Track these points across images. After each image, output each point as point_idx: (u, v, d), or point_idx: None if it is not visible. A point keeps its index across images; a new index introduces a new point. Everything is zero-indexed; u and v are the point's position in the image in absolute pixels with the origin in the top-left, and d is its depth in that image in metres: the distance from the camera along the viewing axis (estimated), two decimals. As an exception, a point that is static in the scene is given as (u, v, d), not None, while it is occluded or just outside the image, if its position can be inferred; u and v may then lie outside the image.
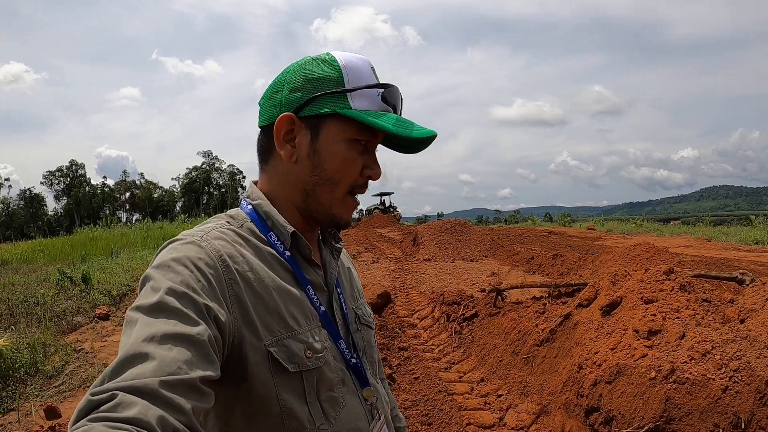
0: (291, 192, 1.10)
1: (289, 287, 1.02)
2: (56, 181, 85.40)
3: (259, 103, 1.13)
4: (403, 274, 11.27)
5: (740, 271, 6.18)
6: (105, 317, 7.38)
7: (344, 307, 1.16)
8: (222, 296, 0.90)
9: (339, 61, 1.06)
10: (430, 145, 1.13)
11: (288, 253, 1.06)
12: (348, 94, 1.04)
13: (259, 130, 1.14)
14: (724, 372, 2.96)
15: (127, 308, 5.84)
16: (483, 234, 16.27)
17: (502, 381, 4.64)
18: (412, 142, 1.10)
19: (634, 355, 3.45)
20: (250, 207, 1.11)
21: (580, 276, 8.60)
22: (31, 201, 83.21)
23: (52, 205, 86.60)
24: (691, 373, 3.00)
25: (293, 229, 1.07)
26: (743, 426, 2.72)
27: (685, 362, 3.12)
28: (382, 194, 44.89)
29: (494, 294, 6.15)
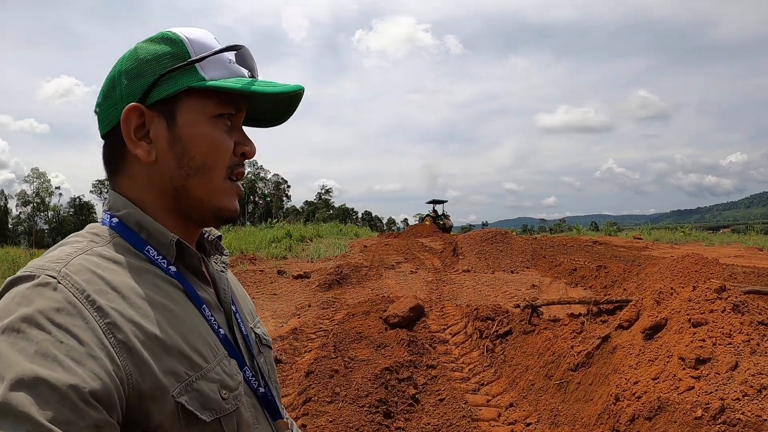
0: (159, 195, 0.91)
1: (185, 313, 0.85)
2: (105, 190, 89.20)
3: (95, 111, 0.94)
4: (440, 286, 11.05)
5: None
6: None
7: (243, 328, 1.01)
8: (103, 352, 0.69)
9: (179, 34, 0.91)
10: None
11: (173, 269, 0.88)
12: (197, 65, 0.89)
13: (103, 141, 0.95)
14: None
15: None
16: (525, 244, 15.94)
17: (532, 407, 4.35)
18: (278, 103, 1.00)
19: (678, 387, 3.13)
20: (115, 220, 0.90)
21: (624, 290, 8.24)
22: (81, 209, 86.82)
23: (101, 213, 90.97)
24: (743, 413, 2.66)
25: (176, 237, 0.89)
26: None
27: (737, 399, 2.78)
28: (434, 202, 45.10)
29: (529, 310, 5.90)
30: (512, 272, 13.14)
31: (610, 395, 3.53)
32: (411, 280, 12.00)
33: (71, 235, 0.89)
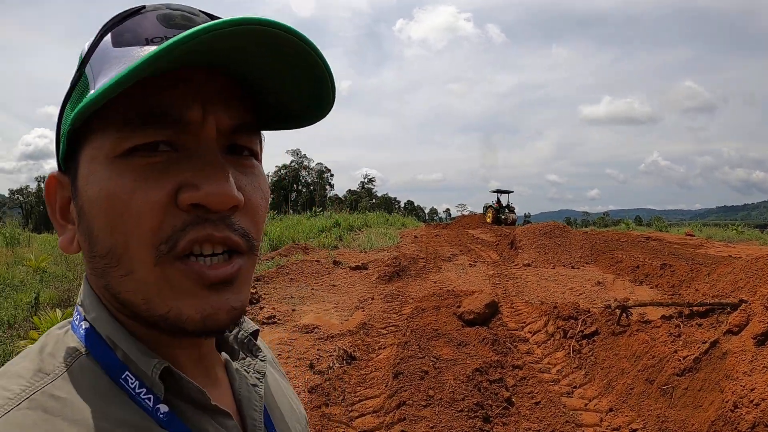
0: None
1: None
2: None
3: None
4: (503, 280, 10.95)
5: None
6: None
7: None
8: None
9: (84, 49, 0.61)
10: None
11: (165, 408, 0.59)
12: (88, 76, 0.59)
13: None
14: None
15: None
16: (583, 239, 15.65)
17: (635, 413, 4.30)
18: (266, 63, 0.58)
19: None
20: (84, 326, 0.62)
21: (696, 290, 7.96)
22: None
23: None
24: None
25: (163, 363, 0.59)
26: None
27: None
28: (499, 191, 41.73)
29: (618, 311, 5.67)
30: (572, 268, 12.95)
31: (726, 402, 3.52)
32: (471, 273, 11.90)
33: (19, 356, 0.60)
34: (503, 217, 36.63)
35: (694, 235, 22.99)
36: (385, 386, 4.65)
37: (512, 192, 41.97)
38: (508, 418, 4.17)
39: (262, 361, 0.76)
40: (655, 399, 4.30)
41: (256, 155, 0.65)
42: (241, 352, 0.75)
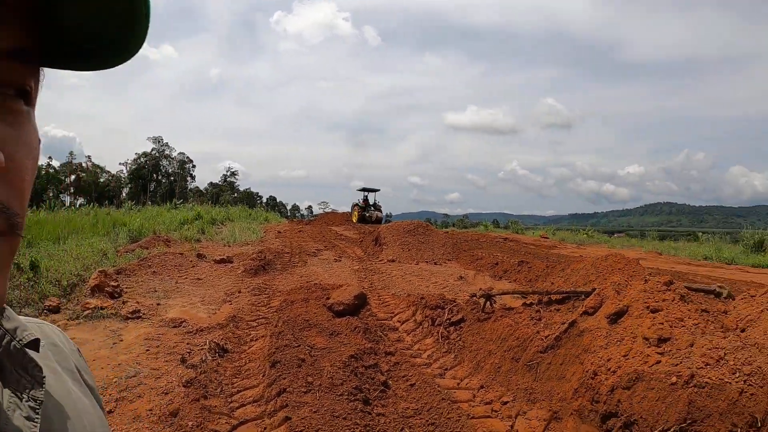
0: None
1: None
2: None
3: None
4: (369, 275, 11.16)
5: (717, 284, 6.37)
6: (55, 310, 6.85)
7: None
8: None
9: None
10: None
11: None
12: None
13: None
14: (739, 376, 3.16)
15: (78, 300, 5.20)
16: (445, 237, 16.37)
17: (504, 388, 4.62)
18: None
19: (647, 362, 3.58)
20: None
21: (552, 283, 8.63)
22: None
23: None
24: (709, 378, 3.19)
25: None
26: (759, 425, 2.93)
27: (701, 368, 3.30)
28: (366, 190, 41.16)
29: (483, 299, 6.03)
30: (435, 264, 13.48)
31: (587, 371, 3.91)
32: (337, 268, 12.02)
33: None
34: (367, 215, 36.76)
35: (548, 238, 24.89)
36: (263, 376, 4.58)
37: (379, 190, 41.99)
38: (386, 400, 4.28)
39: (40, 385, 0.52)
40: (522, 374, 4.64)
41: (28, 97, 0.47)
42: (14, 371, 0.51)
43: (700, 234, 24.02)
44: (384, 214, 38.94)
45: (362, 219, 36.11)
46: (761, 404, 2.98)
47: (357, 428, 3.55)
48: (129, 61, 0.50)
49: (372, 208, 38.36)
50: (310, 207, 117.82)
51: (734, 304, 4.62)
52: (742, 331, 3.85)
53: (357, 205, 38.65)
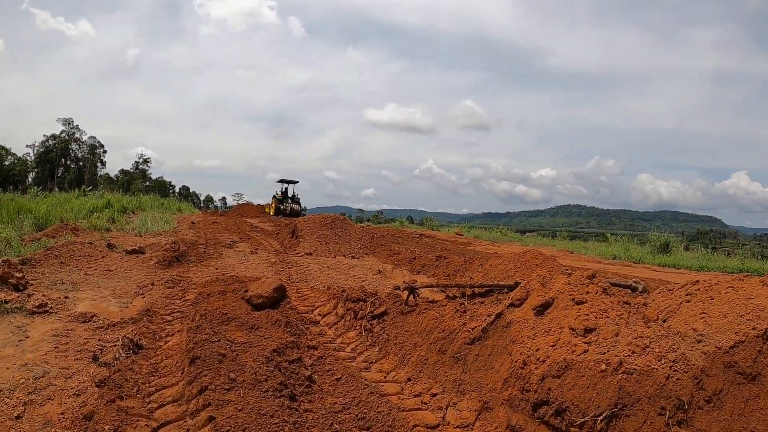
0: None
1: None
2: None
3: None
4: (286, 267, 11.02)
5: (634, 279, 6.68)
6: (-46, 304, 6.31)
7: None
8: None
9: None
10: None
11: None
12: None
13: None
14: (665, 363, 3.34)
15: None
16: (362, 231, 16.39)
17: (432, 380, 4.63)
18: None
19: (575, 351, 3.69)
20: None
21: (471, 278, 8.83)
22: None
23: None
24: (637, 365, 3.34)
25: None
26: (686, 407, 3.12)
27: (628, 355, 3.44)
28: (285, 181, 40.15)
29: (406, 292, 6.08)
30: (353, 257, 13.50)
31: (515, 362, 3.99)
32: (253, 260, 11.80)
33: None
34: (282, 207, 35.84)
35: (463, 235, 25.50)
36: (182, 373, 4.35)
37: (297, 182, 40.99)
38: (312, 395, 4.16)
39: None
40: (449, 366, 4.66)
41: None
42: None
43: (609, 235, 25.34)
44: (302, 207, 37.86)
45: (278, 211, 35.31)
46: (687, 388, 3.16)
47: (285, 426, 3.44)
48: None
49: (290, 200, 37.43)
50: (224, 198, 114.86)
51: (653, 297, 4.84)
52: (664, 321, 4.03)
53: (275, 196, 37.58)
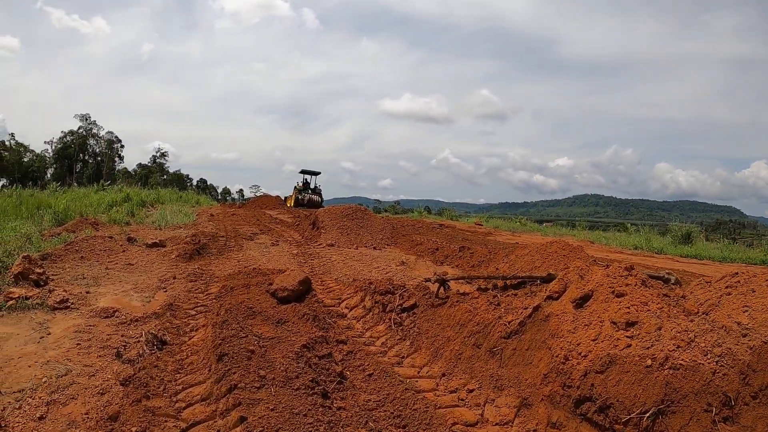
0: None
1: None
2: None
3: None
4: (308, 260, 10.89)
5: (666, 271, 6.46)
6: (-25, 301, 6.21)
7: None
8: None
9: None
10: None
11: None
12: None
13: None
14: (710, 357, 3.22)
15: (0, 290, 4.65)
16: (383, 222, 16.20)
17: (468, 375, 4.47)
18: None
19: (618, 345, 3.58)
20: None
21: (497, 269, 8.63)
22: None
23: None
24: (683, 360, 3.23)
25: None
26: (732, 403, 3.00)
27: (673, 350, 3.33)
28: (306, 172, 38.58)
29: (436, 284, 5.89)
30: (375, 249, 13.36)
31: (556, 356, 3.88)
32: (275, 252, 11.67)
33: None
34: (300, 197, 34.77)
35: (482, 225, 25.26)
36: (209, 370, 4.20)
37: (320, 173, 39.32)
38: (344, 392, 4.03)
39: None
40: (485, 361, 4.52)
41: None
42: None
43: (629, 225, 24.97)
44: (322, 198, 36.83)
45: (297, 202, 34.42)
46: (733, 384, 3.04)
47: (320, 426, 3.30)
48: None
49: (309, 192, 36.18)
50: (241, 190, 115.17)
51: (691, 289, 4.70)
52: (705, 314, 3.92)
53: (295, 187, 36.40)
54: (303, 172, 38.59)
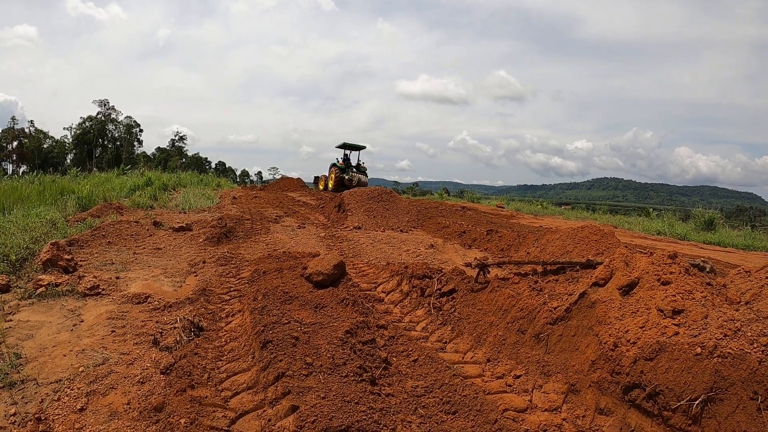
0: None
1: None
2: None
3: None
4: (336, 243, 10.91)
5: (702, 259, 6.32)
6: (4, 288, 6.20)
7: None
8: None
9: None
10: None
11: None
12: None
13: None
14: (757, 347, 3.26)
15: (29, 277, 4.54)
16: (409, 204, 16.10)
17: (513, 361, 4.56)
18: None
19: (666, 333, 3.62)
20: None
21: (528, 253, 8.51)
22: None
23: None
24: (731, 349, 3.27)
25: None
26: None
27: (721, 339, 3.38)
28: (347, 146, 31.88)
29: (476, 269, 5.84)
30: (402, 231, 13.35)
31: (605, 343, 3.93)
32: (302, 235, 11.68)
33: None
34: (347, 178, 28.89)
35: (504, 207, 25.10)
36: (252, 357, 4.17)
37: (364, 148, 32.22)
38: (390, 378, 4.08)
39: None
40: (530, 347, 4.59)
41: None
42: None
43: (651, 210, 24.62)
44: (308, 179, 32.50)
45: (341, 185, 28.58)
46: None
47: (373, 413, 3.29)
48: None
49: (354, 170, 29.82)
50: (260, 173, 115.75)
51: (731, 278, 4.75)
52: (747, 304, 3.94)
53: (335, 165, 30.20)
54: (343, 146, 31.94)
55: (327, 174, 31.06)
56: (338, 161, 30.61)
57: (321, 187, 30.48)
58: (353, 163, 30.90)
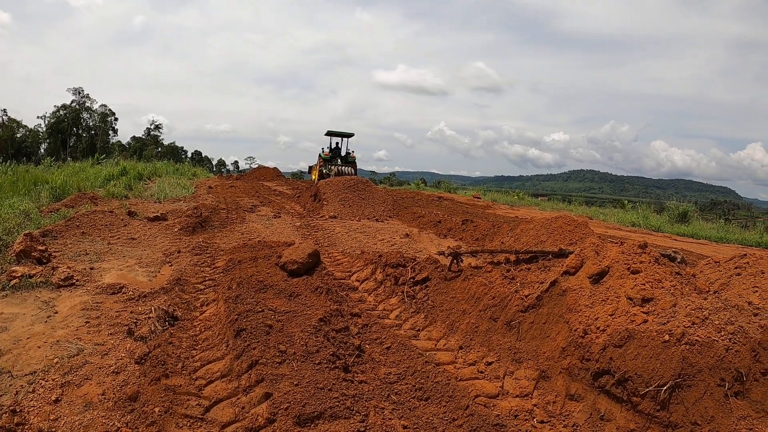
0: None
1: None
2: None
3: None
4: (312, 232, 10.92)
5: (672, 249, 6.49)
6: (-24, 280, 6.09)
7: None
8: None
9: None
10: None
11: None
12: None
13: None
14: (724, 335, 3.35)
15: (2, 269, 4.50)
16: (385, 194, 16.15)
17: (486, 348, 4.60)
18: None
19: (635, 321, 3.68)
20: None
21: (502, 243, 8.72)
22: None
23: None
24: (698, 336, 3.35)
25: None
26: (743, 379, 3.14)
27: (689, 327, 3.44)
28: (334, 134, 29.76)
29: (449, 258, 5.90)
30: (377, 221, 13.41)
31: (575, 330, 3.99)
32: (277, 224, 11.66)
33: None
34: (325, 171, 26.60)
35: (480, 198, 25.31)
36: (226, 346, 4.17)
37: (352, 135, 30.14)
38: (364, 365, 4.12)
39: None
40: (502, 334, 4.64)
41: None
42: None
43: (626, 202, 25.04)
44: (307, 172, 30.66)
45: (321, 177, 25.57)
46: (745, 360, 3.19)
47: (346, 400, 3.32)
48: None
49: (339, 161, 28.02)
50: (236, 162, 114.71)
51: (700, 268, 4.93)
52: (715, 293, 4.04)
53: (321, 156, 28.47)
54: (330, 134, 29.82)
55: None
56: (323, 151, 28.78)
57: (314, 177, 28.22)
58: (342, 152, 29.11)
